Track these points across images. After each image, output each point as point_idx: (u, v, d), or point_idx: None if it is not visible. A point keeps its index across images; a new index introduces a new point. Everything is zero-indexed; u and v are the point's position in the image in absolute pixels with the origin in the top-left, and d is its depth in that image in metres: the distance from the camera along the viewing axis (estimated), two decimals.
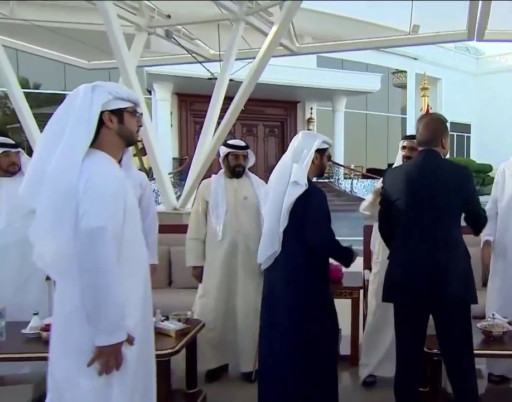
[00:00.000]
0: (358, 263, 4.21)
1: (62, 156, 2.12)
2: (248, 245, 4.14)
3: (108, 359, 2.13)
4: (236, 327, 4.16)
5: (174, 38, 9.16)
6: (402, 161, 4.08)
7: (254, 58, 9.59)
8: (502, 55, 31.20)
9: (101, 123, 2.23)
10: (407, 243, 3.11)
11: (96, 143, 2.22)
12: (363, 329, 4.37)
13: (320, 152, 3.51)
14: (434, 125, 3.21)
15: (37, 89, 21.43)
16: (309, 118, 22.86)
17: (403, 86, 27.84)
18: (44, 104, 21.08)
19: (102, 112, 2.22)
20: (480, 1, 6.86)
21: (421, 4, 8.77)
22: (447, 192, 3.05)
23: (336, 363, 3.48)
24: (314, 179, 3.64)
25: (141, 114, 2.46)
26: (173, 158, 19.05)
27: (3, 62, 7.03)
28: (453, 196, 3.07)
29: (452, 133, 30.24)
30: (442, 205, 3.05)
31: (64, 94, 20.75)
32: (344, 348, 4.53)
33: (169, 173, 13.56)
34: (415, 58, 26.71)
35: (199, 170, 6.67)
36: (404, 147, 4.11)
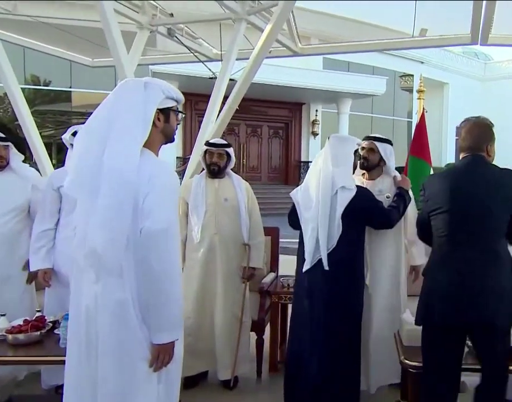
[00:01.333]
0: None
1: (121, 150, 2.12)
2: (228, 248, 4.03)
3: (164, 356, 2.17)
4: (214, 333, 4.02)
5: (176, 37, 9.12)
6: (360, 163, 3.92)
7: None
8: (510, 60, 30.95)
9: None
10: (450, 258, 2.82)
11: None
12: None
13: (355, 153, 3.67)
14: (479, 130, 3.03)
15: (47, 86, 21.35)
16: (314, 120, 22.74)
17: (410, 90, 27.69)
18: (53, 101, 21.22)
19: None
20: (483, 5, 6.82)
21: (426, 7, 8.72)
22: (495, 200, 2.78)
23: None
24: None
25: (185, 113, 2.56)
26: (177, 157, 18.94)
27: (1, 58, 6.94)
28: (501, 204, 2.79)
29: (458, 138, 29.96)
30: (490, 214, 2.77)
31: (71, 91, 20.80)
32: None
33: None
34: (422, 62, 26.55)
35: (194, 168, 6.58)
36: (362, 148, 3.94)
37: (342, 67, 22.54)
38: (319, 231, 3.38)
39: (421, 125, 5.87)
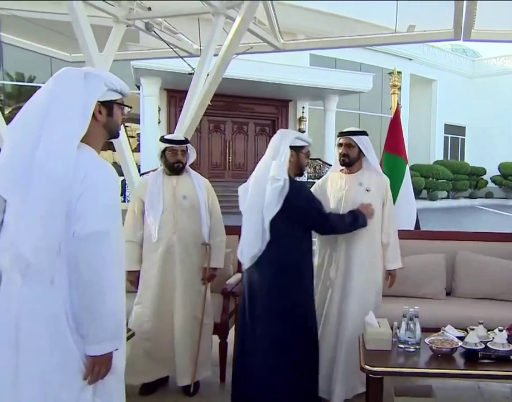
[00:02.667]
0: None
1: (55, 146, 1.96)
2: (187, 248, 3.89)
3: (100, 368, 2.03)
4: (174, 336, 3.86)
5: (155, 32, 8.98)
6: (340, 160, 3.87)
7: (237, 54, 9.52)
8: (498, 58, 31.05)
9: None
10: None
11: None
12: None
13: (296, 149, 3.46)
14: None
15: (31, 82, 21.08)
16: (300, 117, 22.65)
17: (398, 87, 27.63)
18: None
19: None
20: (465, 1, 6.78)
21: (411, 3, 8.68)
22: None
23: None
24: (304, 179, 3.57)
25: (131, 107, 2.34)
26: None
27: None
28: None
29: (446, 135, 30.19)
30: None
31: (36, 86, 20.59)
32: None
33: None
34: (410, 59, 26.53)
35: None
36: (340, 144, 3.87)
37: (329, 63, 22.50)
38: (247, 222, 3.41)
39: (396, 120, 5.77)
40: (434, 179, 25.78)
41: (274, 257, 3.32)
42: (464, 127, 31.17)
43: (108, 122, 2.20)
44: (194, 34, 9.20)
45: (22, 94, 21.33)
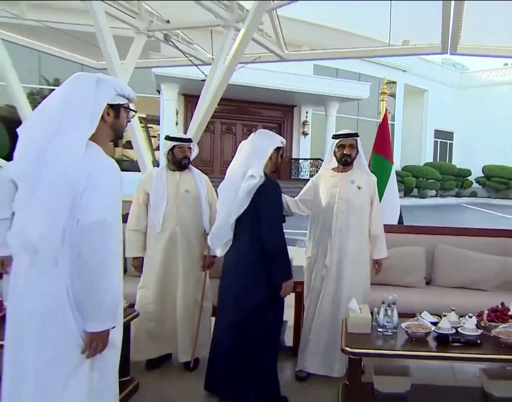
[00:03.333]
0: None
1: (66, 143, 1.97)
2: (188, 237, 3.84)
3: (98, 343, 2.04)
4: (175, 318, 3.83)
5: (172, 42, 8.98)
6: (341, 161, 3.81)
7: (246, 63, 9.48)
8: (484, 71, 31.02)
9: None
10: None
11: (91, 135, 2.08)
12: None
13: (277, 150, 3.40)
14: None
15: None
16: (304, 121, 22.62)
17: (394, 95, 27.51)
18: None
19: None
20: (451, 17, 6.73)
21: (405, 18, 8.63)
22: None
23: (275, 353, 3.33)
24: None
25: (136, 111, 2.37)
26: None
27: (2, 57, 6.73)
28: None
29: (436, 139, 30.08)
30: None
31: None
32: (289, 339, 4.32)
33: None
34: (404, 71, 26.40)
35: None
36: (342, 146, 3.79)
37: (331, 73, 22.45)
38: (219, 214, 3.36)
39: (384, 125, 5.69)
40: (424, 179, 25.71)
41: (238, 249, 3.26)
42: (452, 133, 31.03)
43: (115, 123, 2.22)
44: (207, 44, 9.19)
45: None
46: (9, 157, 3.24)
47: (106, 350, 2.09)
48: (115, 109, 2.20)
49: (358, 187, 3.76)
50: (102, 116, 2.11)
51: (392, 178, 5.43)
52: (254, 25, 5.39)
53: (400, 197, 22.27)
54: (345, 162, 3.79)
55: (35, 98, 21.13)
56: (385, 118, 5.78)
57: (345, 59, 10.46)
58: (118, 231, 2.12)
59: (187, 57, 9.15)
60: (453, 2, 6.22)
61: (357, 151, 3.83)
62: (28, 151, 2.00)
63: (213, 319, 3.78)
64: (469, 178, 28.28)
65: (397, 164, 26.75)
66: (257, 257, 3.18)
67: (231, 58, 5.59)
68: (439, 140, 30.46)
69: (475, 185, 28.22)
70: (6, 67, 6.66)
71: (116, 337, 2.18)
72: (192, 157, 4.04)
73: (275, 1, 7.25)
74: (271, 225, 3.18)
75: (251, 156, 3.27)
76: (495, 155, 27.66)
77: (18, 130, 2.08)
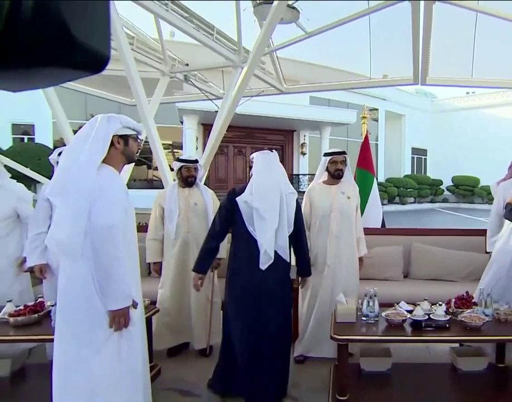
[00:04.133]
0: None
1: (83, 167, 2.11)
2: (198, 243, 3.68)
3: (119, 319, 2.14)
4: (190, 312, 3.77)
5: (191, 81, 9.03)
6: (333, 174, 3.71)
7: (252, 96, 9.50)
8: (450, 98, 30.98)
9: (111, 144, 2.24)
10: None
11: (106, 159, 2.21)
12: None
13: None
14: None
15: None
16: (302, 143, 22.55)
17: (376, 120, 27.43)
18: None
19: (113, 136, 2.25)
20: (420, 55, 6.74)
21: (380, 56, 8.67)
22: None
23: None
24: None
25: (143, 140, 2.47)
26: None
27: (53, 100, 6.70)
28: None
29: (413, 155, 29.94)
30: None
31: None
32: None
33: None
34: (384, 99, 26.28)
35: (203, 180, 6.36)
36: (335, 162, 3.70)
37: (324, 103, 22.43)
38: (280, 230, 2.99)
39: (365, 143, 5.64)
40: (404, 188, 25.49)
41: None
42: (426, 150, 30.80)
43: (125, 150, 2.31)
44: (220, 82, 9.23)
45: None
46: None
47: (130, 326, 2.20)
48: (124, 139, 2.30)
49: (348, 197, 3.71)
50: (113, 145, 2.25)
51: (375, 188, 5.37)
52: (253, 66, 5.36)
53: (384, 204, 22.08)
54: (338, 176, 3.72)
55: None
56: (366, 138, 5.73)
57: (334, 90, 10.46)
58: (126, 233, 2.21)
59: (203, 93, 9.20)
60: (421, 40, 6.21)
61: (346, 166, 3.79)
62: (59, 172, 2.18)
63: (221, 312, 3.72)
64: (441, 187, 28.03)
65: (381, 177, 26.61)
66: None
67: (235, 93, 5.57)
68: (415, 156, 30.26)
69: (446, 192, 27.96)
70: (56, 107, 6.66)
71: (137, 315, 2.29)
72: (198, 176, 3.96)
73: (269, 48, 7.28)
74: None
75: (282, 175, 3.13)
76: (462, 167, 27.51)
77: (59, 158, 2.29)
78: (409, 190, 25.63)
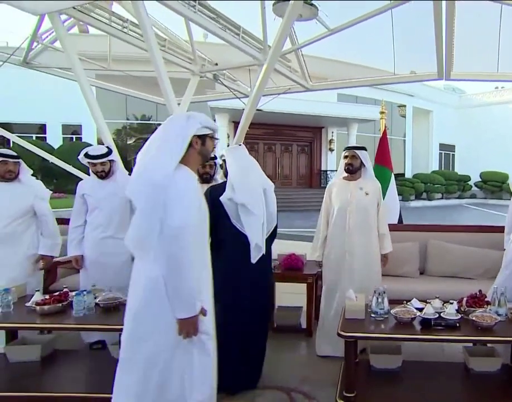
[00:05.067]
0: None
1: (162, 166, 2.04)
2: None
3: (188, 328, 2.02)
4: None
5: (220, 80, 8.98)
6: (345, 169, 3.62)
7: (279, 93, 9.36)
8: (478, 94, 29.67)
9: (189, 144, 2.15)
10: None
11: (183, 159, 2.11)
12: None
13: None
14: None
15: (145, 120, 21.55)
16: (330, 139, 22.25)
17: (404, 116, 26.71)
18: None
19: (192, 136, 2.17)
20: (444, 49, 6.44)
21: (402, 52, 8.39)
22: None
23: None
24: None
25: (218, 139, 2.35)
26: None
27: (92, 101, 6.66)
28: None
29: (441, 151, 29.02)
30: None
31: (153, 123, 20.92)
32: (303, 322, 4.11)
33: None
34: (412, 96, 25.52)
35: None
36: (346, 157, 3.62)
37: (351, 100, 22.02)
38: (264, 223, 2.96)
39: (383, 139, 5.41)
40: (432, 184, 24.70)
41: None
42: (454, 145, 29.76)
43: (202, 150, 2.21)
44: (247, 80, 9.12)
45: (141, 129, 21.65)
46: None
47: (201, 335, 2.08)
48: (201, 139, 2.19)
49: (366, 193, 3.57)
50: (192, 145, 2.14)
51: (392, 184, 5.14)
52: (272, 64, 5.24)
53: (411, 200, 21.43)
54: (348, 170, 3.61)
55: (126, 131, 21.69)
56: (384, 133, 5.50)
57: (359, 87, 10.15)
58: (198, 236, 2.10)
59: (231, 91, 9.11)
60: (444, 34, 5.91)
61: (361, 162, 3.62)
62: (137, 173, 2.09)
63: None
64: (469, 182, 27.03)
65: (409, 173, 25.93)
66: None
67: (256, 90, 5.45)
68: (443, 152, 29.30)
69: (474, 188, 26.94)
70: (94, 108, 6.61)
71: (208, 326, 2.14)
72: (216, 173, 3.86)
73: (293, 45, 7.12)
74: None
75: (258, 167, 3.10)
76: (490, 162, 26.34)
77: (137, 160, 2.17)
78: (436, 185, 24.83)
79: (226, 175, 3.07)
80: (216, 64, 8.53)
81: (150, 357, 2.02)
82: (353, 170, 3.60)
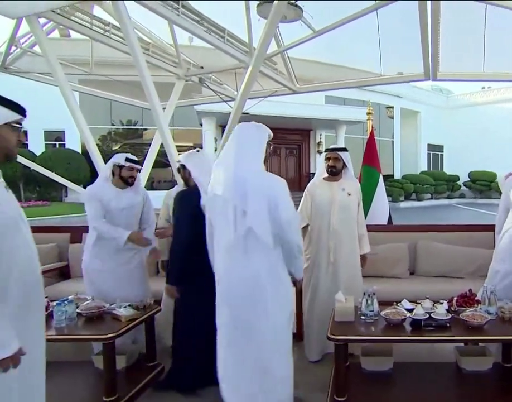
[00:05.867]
0: None
1: (256, 172, 2.32)
2: None
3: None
4: None
5: (205, 84, 8.95)
6: (327, 171, 3.60)
7: (265, 96, 9.36)
8: (466, 94, 30.10)
9: None
10: None
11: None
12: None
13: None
14: None
15: (134, 125, 21.37)
16: (318, 142, 22.34)
17: (392, 117, 26.95)
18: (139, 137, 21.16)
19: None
20: (430, 51, 6.51)
21: (389, 53, 8.47)
22: None
23: None
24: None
25: (271, 144, 2.56)
26: None
27: (74, 106, 6.55)
28: None
29: (429, 152, 29.32)
30: None
31: (139, 128, 20.68)
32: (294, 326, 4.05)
33: None
34: (400, 97, 25.78)
35: None
36: (328, 158, 3.59)
37: (339, 102, 22.13)
38: None
39: (371, 140, 5.41)
40: (421, 185, 24.94)
41: None
42: (442, 146, 30.10)
43: (267, 155, 2.50)
44: (234, 84, 9.11)
45: (126, 134, 21.47)
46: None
47: None
48: (268, 145, 2.49)
49: (348, 194, 3.55)
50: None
51: (380, 184, 5.13)
52: (257, 66, 5.27)
53: (401, 200, 21.51)
54: (331, 172, 3.58)
55: (112, 136, 21.44)
56: (371, 134, 5.50)
57: (346, 88, 10.20)
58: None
59: (218, 95, 9.10)
60: (430, 35, 5.97)
61: (343, 163, 3.60)
62: (226, 180, 2.33)
63: None
64: (458, 182, 27.33)
65: (398, 174, 26.13)
66: None
67: (241, 93, 5.45)
68: (431, 152, 29.61)
69: (463, 188, 27.25)
70: (77, 114, 6.51)
71: None
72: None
73: (279, 47, 7.15)
74: None
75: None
76: (479, 162, 26.66)
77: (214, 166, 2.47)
78: (425, 186, 25.06)
79: (185, 180, 3.11)
80: (202, 67, 8.52)
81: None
82: (336, 172, 3.58)
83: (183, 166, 3.09)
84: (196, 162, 3.03)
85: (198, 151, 3.15)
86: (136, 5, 5.40)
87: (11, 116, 1.72)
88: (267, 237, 2.25)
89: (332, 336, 2.50)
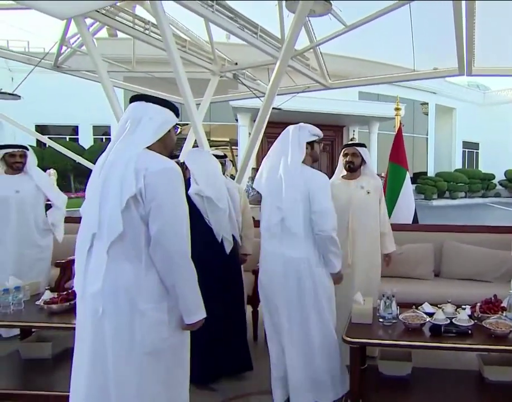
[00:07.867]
0: None
1: (294, 168, 2.56)
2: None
3: None
4: None
5: (240, 80, 8.87)
6: (345, 167, 3.40)
7: (298, 92, 9.18)
8: (503, 90, 28.43)
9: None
10: None
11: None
12: None
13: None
14: None
15: None
16: (351, 138, 21.74)
17: (427, 114, 25.96)
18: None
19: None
20: (465, 45, 6.15)
21: (424, 48, 8.09)
22: None
23: None
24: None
25: (322, 142, 2.89)
26: (252, 168, 18.63)
27: (114, 102, 6.56)
28: None
29: (464, 149, 28.12)
30: None
31: (180, 123, 20.83)
32: None
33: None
34: (434, 93, 24.74)
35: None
36: (346, 154, 3.39)
37: (373, 98, 21.52)
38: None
39: (398, 136, 5.13)
40: (454, 183, 23.92)
41: None
42: (478, 143, 28.74)
43: (313, 153, 2.73)
44: (267, 79, 8.96)
45: None
46: None
47: None
48: (310, 144, 2.69)
49: (368, 192, 3.34)
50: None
51: (407, 183, 4.85)
52: (285, 61, 5.11)
53: (433, 199, 20.72)
54: (348, 168, 3.39)
55: None
56: (399, 130, 5.21)
57: (378, 84, 9.87)
58: None
59: (251, 90, 9.00)
60: (464, 29, 5.61)
61: (362, 159, 3.40)
62: (269, 176, 2.69)
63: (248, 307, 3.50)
64: (493, 181, 26.03)
65: (431, 172, 25.18)
66: None
67: (270, 88, 5.29)
68: (466, 150, 28.34)
69: (498, 187, 25.92)
70: (117, 109, 6.51)
71: None
72: (226, 172, 3.70)
73: (311, 43, 6.94)
74: None
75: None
76: None
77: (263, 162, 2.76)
78: (459, 184, 24.01)
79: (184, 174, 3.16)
80: (236, 63, 8.42)
81: None
82: (354, 168, 3.38)
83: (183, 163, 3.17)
84: (199, 162, 3.11)
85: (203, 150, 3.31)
86: (176, 4, 5.35)
87: (176, 119, 2.02)
88: (298, 229, 2.48)
89: (347, 339, 2.34)
